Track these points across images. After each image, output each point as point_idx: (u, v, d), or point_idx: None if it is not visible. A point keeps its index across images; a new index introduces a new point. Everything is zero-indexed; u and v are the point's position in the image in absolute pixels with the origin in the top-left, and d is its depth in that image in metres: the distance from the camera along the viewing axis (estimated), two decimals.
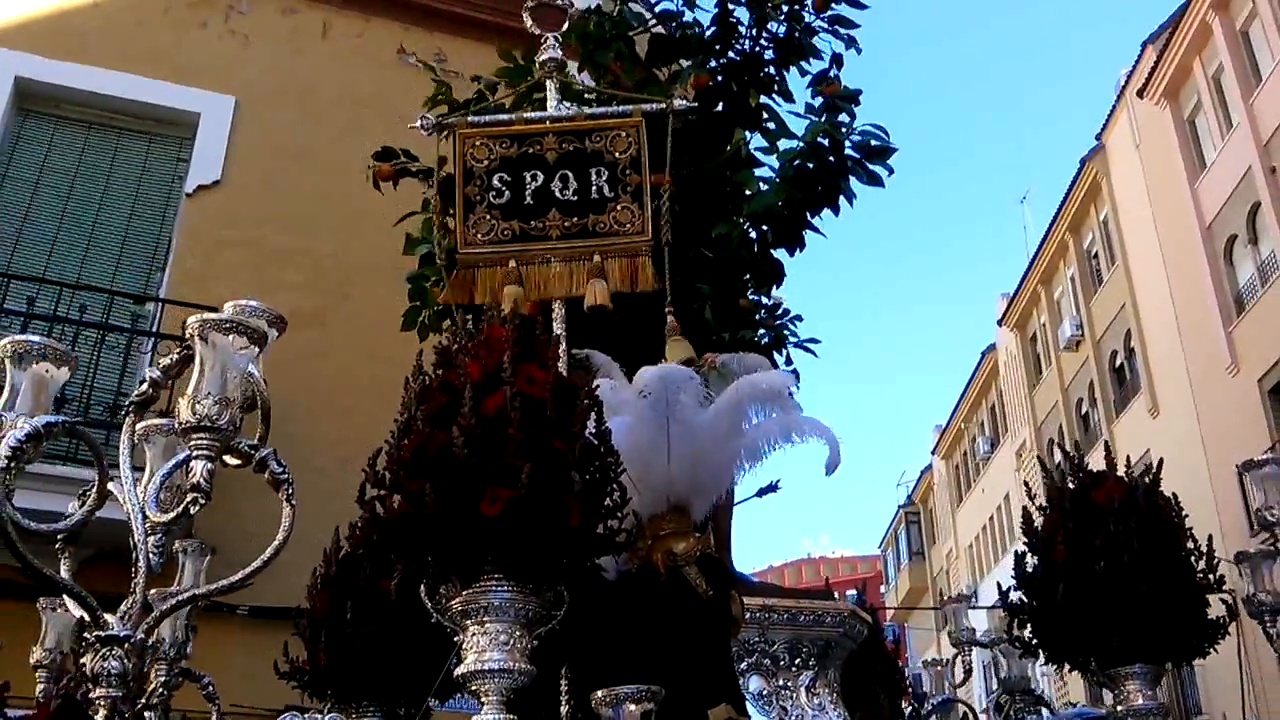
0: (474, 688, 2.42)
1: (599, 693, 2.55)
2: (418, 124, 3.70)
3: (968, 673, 5.90)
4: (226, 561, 3.71)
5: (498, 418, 2.42)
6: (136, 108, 8.14)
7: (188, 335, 2.11)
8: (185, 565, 3.63)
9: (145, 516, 2.16)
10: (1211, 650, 3.11)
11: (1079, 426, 25.30)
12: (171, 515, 2.09)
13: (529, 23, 3.68)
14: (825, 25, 4.89)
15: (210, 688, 3.31)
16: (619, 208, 3.43)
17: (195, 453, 2.03)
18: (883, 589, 41.35)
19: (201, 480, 2.02)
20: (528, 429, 2.41)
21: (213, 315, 2.09)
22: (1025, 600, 3.30)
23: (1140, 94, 21.29)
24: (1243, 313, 18.45)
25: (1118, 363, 23.54)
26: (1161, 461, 3.31)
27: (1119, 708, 3.02)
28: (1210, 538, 3.15)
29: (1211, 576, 3.09)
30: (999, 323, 30.38)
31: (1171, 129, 20.49)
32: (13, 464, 1.92)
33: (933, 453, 38.00)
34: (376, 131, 8.41)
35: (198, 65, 8.26)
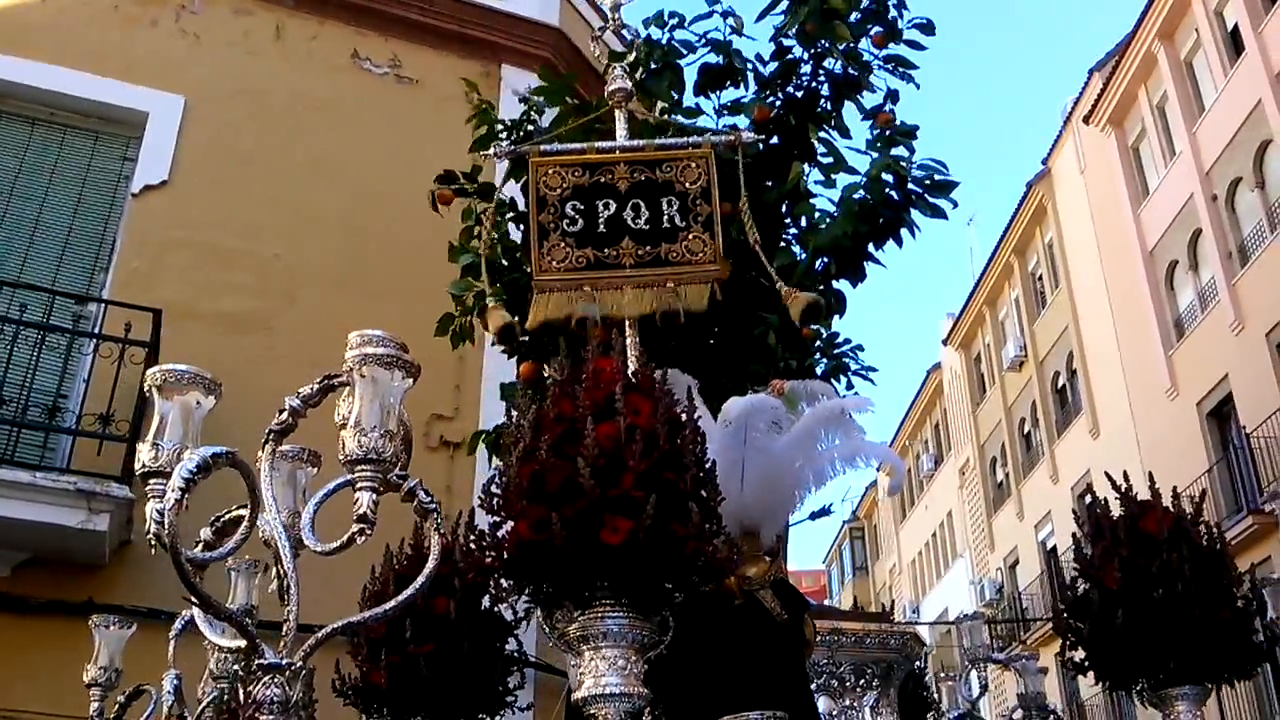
0: (591, 711, 2.48)
1: (725, 719, 2.62)
2: (490, 152, 3.74)
3: (984, 688, 6.05)
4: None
5: (615, 449, 2.49)
6: (83, 105, 7.93)
7: (345, 368, 2.15)
8: (237, 583, 3.63)
9: (290, 544, 2.19)
10: (1256, 671, 3.30)
11: (1021, 446, 25.87)
12: (334, 546, 2.13)
13: (595, 51, 3.74)
14: (882, 64, 5.04)
15: None
16: (690, 237, 3.50)
17: (361, 484, 2.08)
18: (826, 604, 41.73)
19: (368, 511, 2.06)
20: (645, 459, 2.50)
21: (373, 350, 2.13)
22: (1073, 622, 3.45)
23: (1086, 120, 21.88)
24: (1183, 337, 19.01)
25: (1060, 384, 24.10)
26: (1205, 493, 3.49)
27: None
28: (1252, 566, 3.32)
29: (1255, 602, 3.28)
30: (944, 342, 30.89)
31: (1116, 155, 21.08)
32: (185, 495, 1.95)
33: (877, 469, 38.43)
34: (329, 136, 8.34)
35: (147, 64, 8.07)
